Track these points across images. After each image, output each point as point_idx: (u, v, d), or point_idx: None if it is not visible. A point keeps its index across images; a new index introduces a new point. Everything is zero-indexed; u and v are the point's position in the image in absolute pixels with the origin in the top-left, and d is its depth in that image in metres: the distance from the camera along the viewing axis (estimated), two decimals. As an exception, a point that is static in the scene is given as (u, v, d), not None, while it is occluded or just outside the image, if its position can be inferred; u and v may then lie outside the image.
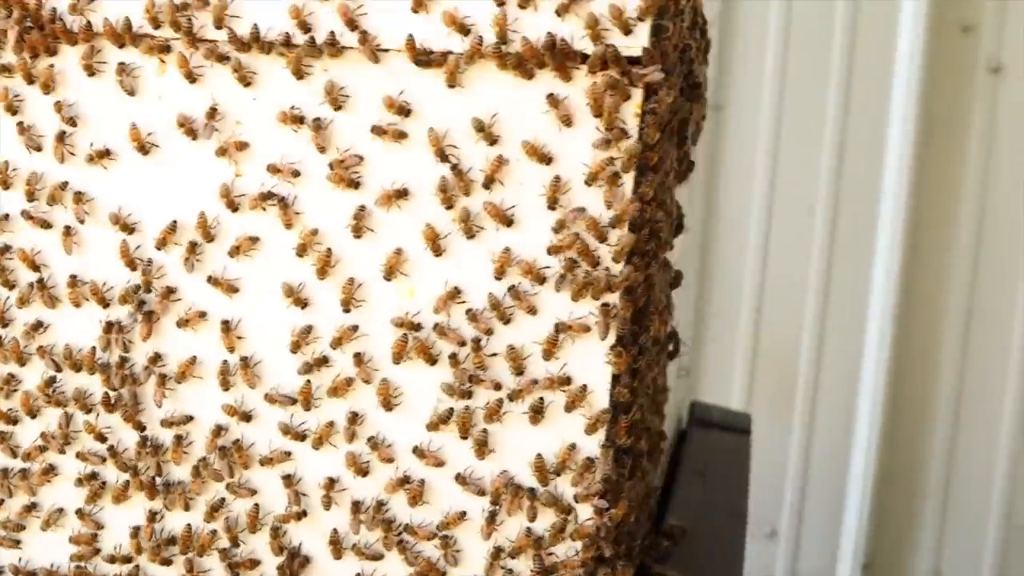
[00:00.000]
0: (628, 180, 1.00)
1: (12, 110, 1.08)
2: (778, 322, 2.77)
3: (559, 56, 0.97)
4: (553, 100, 0.99)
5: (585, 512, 1.06)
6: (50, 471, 1.14)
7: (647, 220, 1.01)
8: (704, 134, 2.70)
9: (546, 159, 1.00)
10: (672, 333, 1.38)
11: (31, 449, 1.13)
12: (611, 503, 1.06)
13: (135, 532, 1.13)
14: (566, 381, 1.04)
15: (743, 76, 2.66)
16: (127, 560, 1.14)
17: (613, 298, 1.02)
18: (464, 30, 0.98)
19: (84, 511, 1.14)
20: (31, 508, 1.15)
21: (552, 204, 1.01)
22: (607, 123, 0.99)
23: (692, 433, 2.00)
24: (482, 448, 1.06)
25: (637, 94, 0.99)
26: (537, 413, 1.05)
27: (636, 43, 0.97)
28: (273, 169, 1.05)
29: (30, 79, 1.07)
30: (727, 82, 2.66)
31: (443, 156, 1.02)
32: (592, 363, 1.04)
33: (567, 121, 0.99)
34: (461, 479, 1.07)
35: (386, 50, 1.01)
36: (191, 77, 1.04)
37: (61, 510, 1.15)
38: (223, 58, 1.03)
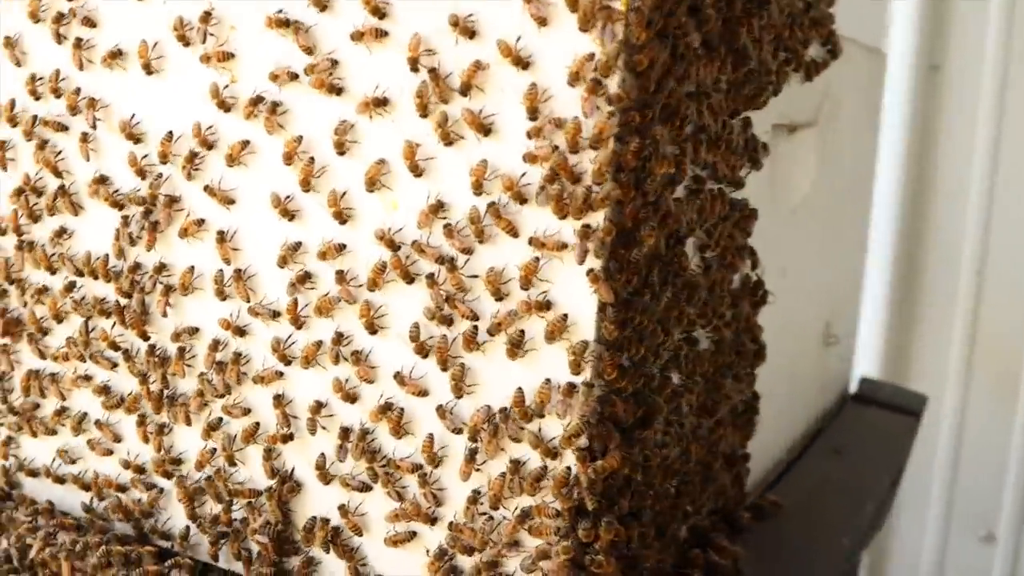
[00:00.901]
0: (612, 84, 0.88)
1: (36, 18, 1.09)
2: (1001, 303, 2.47)
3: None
4: (529, -6, 0.89)
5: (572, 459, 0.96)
6: (82, 379, 1.16)
7: (636, 129, 0.89)
8: (916, 96, 2.46)
9: (522, 63, 0.91)
10: (757, 282, 1.24)
11: (57, 353, 1.16)
12: (599, 452, 0.95)
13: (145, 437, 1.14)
14: (545, 306, 0.94)
15: (963, 32, 2.38)
16: (140, 470, 1.15)
17: (597, 218, 0.91)
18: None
19: (102, 421, 1.16)
20: (61, 412, 1.18)
21: (532, 114, 0.91)
22: (581, 21, 0.88)
23: (848, 408, 1.81)
24: (459, 383, 0.98)
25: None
26: (515, 346, 0.95)
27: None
28: (272, 76, 1.01)
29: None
30: (944, 40, 2.39)
31: (415, 66, 0.94)
32: (577, 291, 0.93)
33: (542, 21, 0.89)
34: (441, 411, 1.00)
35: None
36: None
37: (85, 415, 1.17)
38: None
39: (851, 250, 1.74)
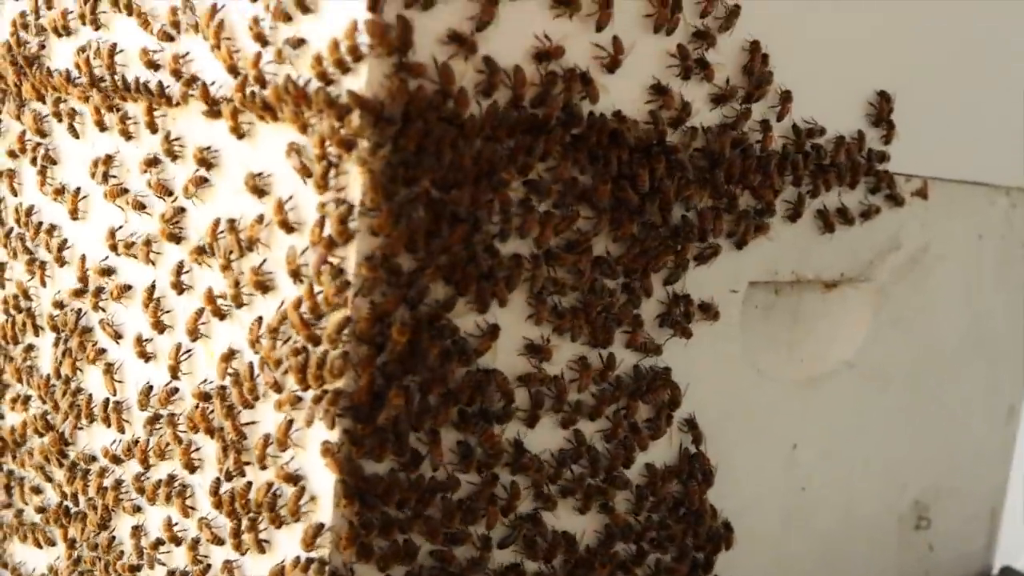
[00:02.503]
0: (340, 254, 0.84)
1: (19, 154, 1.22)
2: None
3: (294, 100, 0.86)
4: (291, 148, 0.87)
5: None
6: (35, 491, 1.24)
7: (369, 287, 0.82)
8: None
9: (287, 226, 0.88)
10: (697, 457, 1.08)
11: (20, 459, 1.25)
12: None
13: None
14: (294, 479, 0.89)
15: None
16: (59, 581, 1.21)
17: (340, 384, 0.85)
18: (234, 71, 0.91)
19: (39, 528, 1.23)
20: (19, 514, 1.27)
21: (295, 276, 0.88)
22: (315, 183, 0.84)
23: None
24: (237, 540, 0.95)
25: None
26: (271, 511, 0.91)
27: (356, 82, 0.82)
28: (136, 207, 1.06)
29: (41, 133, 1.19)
30: None
31: (211, 248, 0.96)
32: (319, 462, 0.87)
33: (305, 172, 0.86)
34: (227, 567, 0.97)
35: (192, 95, 0.97)
36: (101, 125, 1.08)
37: (35, 524, 1.25)
38: (113, 108, 1.07)
39: (961, 418, 1.44)
